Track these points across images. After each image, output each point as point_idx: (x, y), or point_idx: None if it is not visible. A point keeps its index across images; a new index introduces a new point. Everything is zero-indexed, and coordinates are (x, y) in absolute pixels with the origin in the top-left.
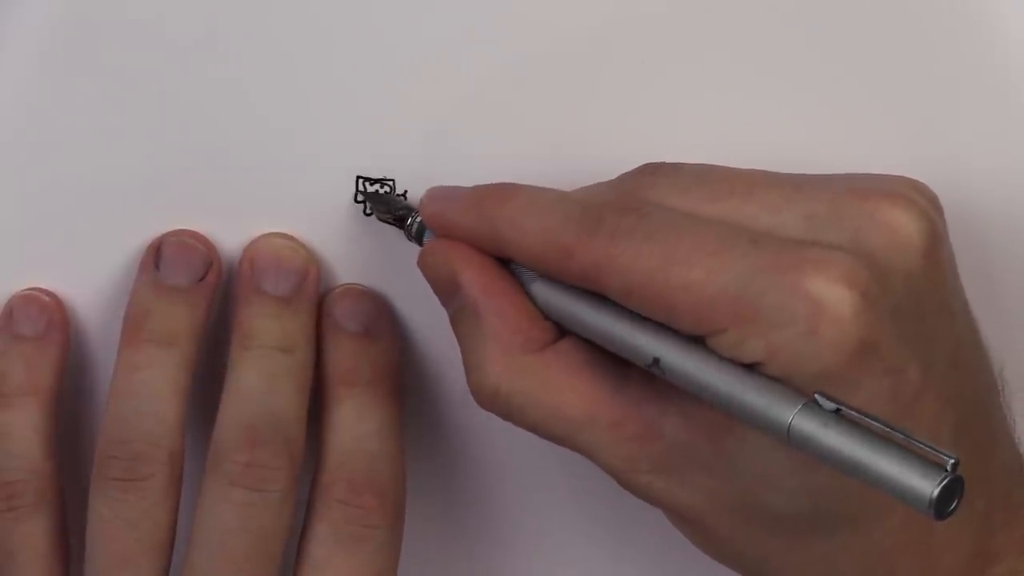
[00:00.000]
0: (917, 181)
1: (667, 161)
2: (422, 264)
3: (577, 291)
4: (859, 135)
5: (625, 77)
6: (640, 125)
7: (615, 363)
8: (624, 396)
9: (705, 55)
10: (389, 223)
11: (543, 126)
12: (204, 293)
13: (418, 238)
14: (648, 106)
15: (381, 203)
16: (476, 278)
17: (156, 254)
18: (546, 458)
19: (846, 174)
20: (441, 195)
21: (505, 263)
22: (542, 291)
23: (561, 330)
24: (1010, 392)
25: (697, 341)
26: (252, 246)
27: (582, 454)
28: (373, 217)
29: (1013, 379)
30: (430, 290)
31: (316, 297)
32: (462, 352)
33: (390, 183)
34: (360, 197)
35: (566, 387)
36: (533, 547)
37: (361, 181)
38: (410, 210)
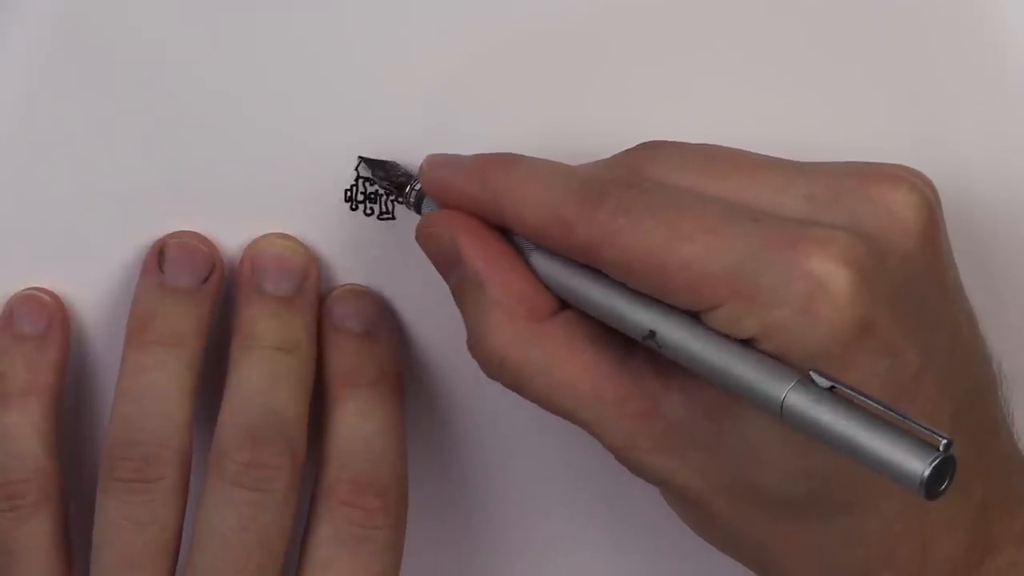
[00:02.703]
0: (915, 170)
1: (668, 140)
2: (421, 235)
3: (574, 263)
4: (859, 128)
5: (627, 61)
6: (640, 110)
7: (619, 338)
8: (627, 371)
9: (707, 47)
10: (387, 190)
11: (542, 110)
12: (208, 294)
13: (416, 206)
14: (649, 92)
15: (380, 170)
16: (478, 248)
17: (159, 256)
18: (548, 458)
19: (849, 161)
20: (442, 162)
21: (504, 234)
22: (540, 263)
23: (566, 303)
24: (1008, 385)
25: (693, 316)
26: (253, 246)
27: (584, 428)
28: (373, 217)
29: (1011, 372)
30: (430, 290)
31: (317, 297)
32: (466, 322)
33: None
34: (354, 194)
35: (571, 359)
36: (535, 547)
37: (361, 182)
38: (409, 177)
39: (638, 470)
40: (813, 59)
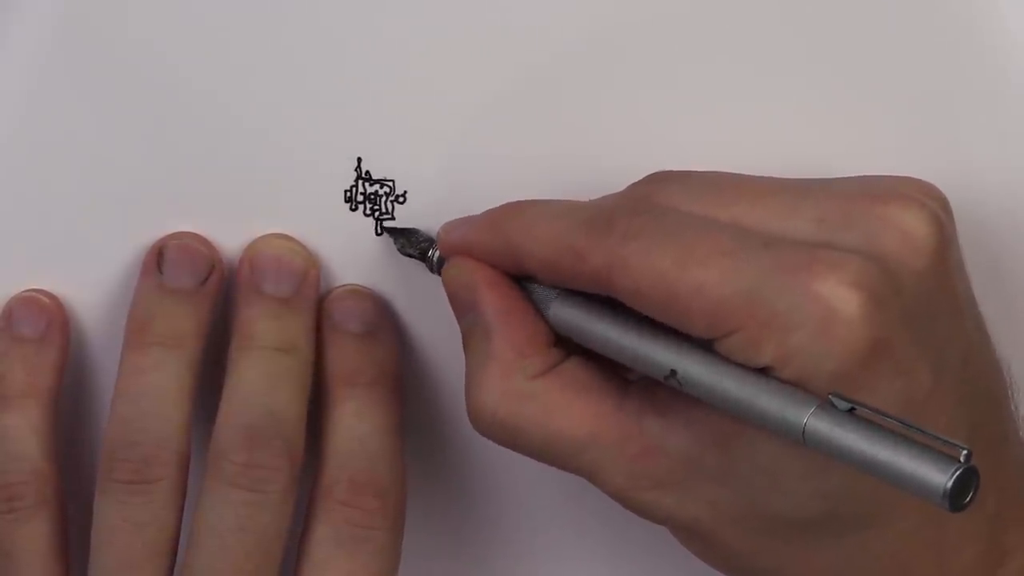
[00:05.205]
0: (926, 182)
1: (674, 169)
2: (444, 279)
3: (597, 309)
4: (866, 137)
5: (632, 84)
6: (646, 132)
7: (616, 381)
8: (625, 413)
9: (711, 61)
10: (412, 256)
11: (549, 133)
12: (208, 295)
13: (439, 269)
14: (654, 112)
15: (402, 237)
16: (493, 298)
17: (159, 257)
18: None
19: (854, 177)
20: (455, 224)
21: (524, 286)
22: (562, 311)
23: (570, 350)
24: (1018, 390)
25: (708, 347)
26: (252, 247)
27: (583, 476)
28: (372, 218)
29: (1020, 375)
30: (430, 290)
31: (316, 297)
32: (466, 371)
33: (390, 183)
34: (354, 194)
35: (567, 409)
36: (533, 547)
37: (361, 182)
38: (431, 242)
39: (642, 510)
40: (820, 73)
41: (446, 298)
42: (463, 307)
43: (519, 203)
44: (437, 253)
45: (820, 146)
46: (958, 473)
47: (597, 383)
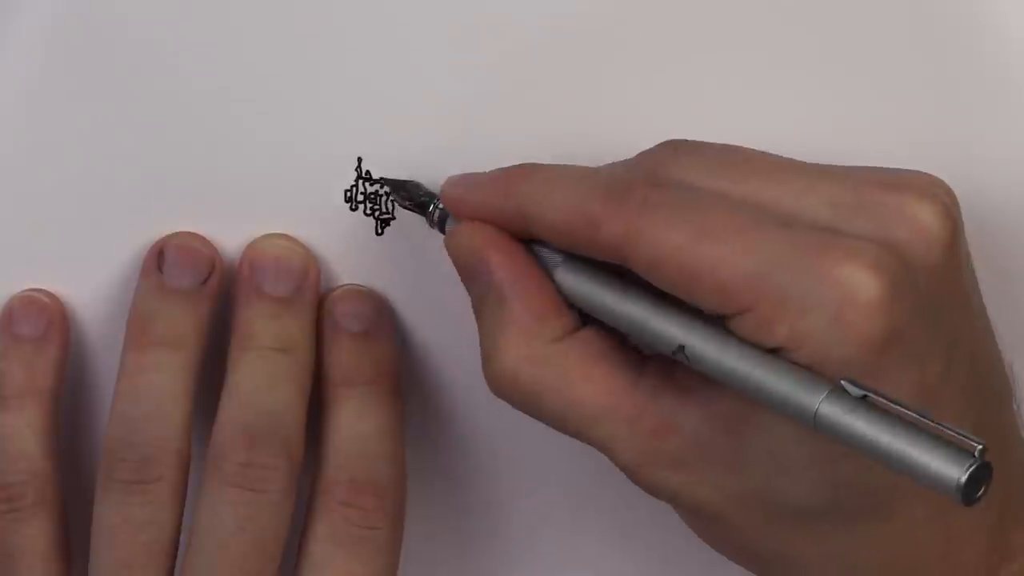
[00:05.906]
0: (937, 178)
1: (688, 139)
2: (449, 245)
3: (602, 277)
4: (873, 132)
5: (637, 67)
6: (652, 125)
7: (633, 355)
8: (642, 388)
9: (718, 49)
10: (411, 210)
11: (551, 132)
12: (208, 295)
13: (440, 225)
14: (659, 105)
15: (402, 190)
16: (504, 261)
17: (159, 257)
18: (547, 458)
19: (868, 167)
20: (462, 180)
21: (530, 249)
22: (567, 277)
23: (583, 319)
24: (1020, 386)
25: (720, 324)
26: (252, 247)
27: (596, 448)
28: (372, 218)
29: (1022, 375)
30: (430, 290)
31: (316, 298)
32: (481, 336)
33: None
34: (354, 194)
35: (584, 378)
36: (533, 547)
37: (361, 182)
38: (432, 197)
39: (652, 487)
40: (824, 62)
41: (447, 292)
42: (472, 274)
43: (528, 166)
44: (440, 208)
45: (826, 140)
46: (973, 468)
47: (615, 355)
